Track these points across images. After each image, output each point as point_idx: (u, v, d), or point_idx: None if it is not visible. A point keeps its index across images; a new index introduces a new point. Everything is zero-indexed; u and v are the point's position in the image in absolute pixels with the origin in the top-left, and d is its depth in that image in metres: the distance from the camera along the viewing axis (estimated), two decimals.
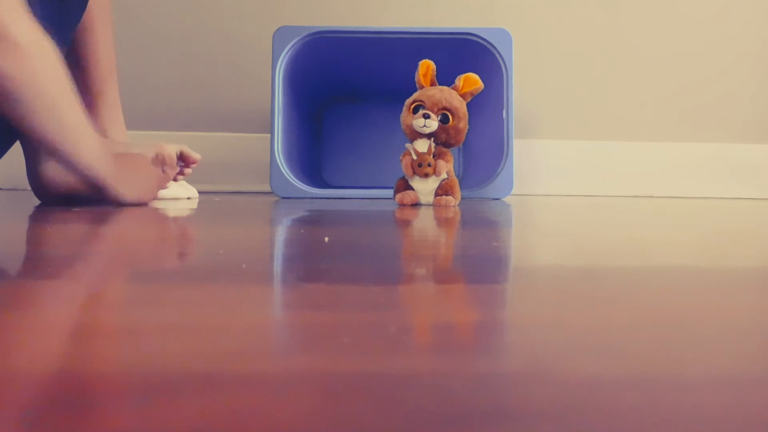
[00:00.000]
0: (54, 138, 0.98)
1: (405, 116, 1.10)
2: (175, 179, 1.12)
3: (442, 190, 1.10)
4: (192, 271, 0.42)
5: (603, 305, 0.32)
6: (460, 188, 1.13)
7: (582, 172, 1.70)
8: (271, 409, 0.18)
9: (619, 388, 0.20)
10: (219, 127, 1.65)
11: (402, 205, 1.09)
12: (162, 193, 1.14)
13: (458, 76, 1.12)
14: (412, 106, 1.10)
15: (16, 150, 1.01)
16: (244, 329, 0.26)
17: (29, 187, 1.02)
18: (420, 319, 0.29)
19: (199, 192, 1.35)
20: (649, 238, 0.68)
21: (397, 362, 0.22)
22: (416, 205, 1.09)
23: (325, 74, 1.50)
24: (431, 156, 1.09)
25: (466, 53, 1.38)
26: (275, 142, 1.32)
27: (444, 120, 1.08)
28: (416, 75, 1.12)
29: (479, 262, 0.47)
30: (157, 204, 1.06)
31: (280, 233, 0.70)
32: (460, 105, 1.09)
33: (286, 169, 1.32)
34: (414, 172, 1.09)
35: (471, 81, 1.12)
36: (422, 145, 1.09)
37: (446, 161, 1.09)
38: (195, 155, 1.12)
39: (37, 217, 0.75)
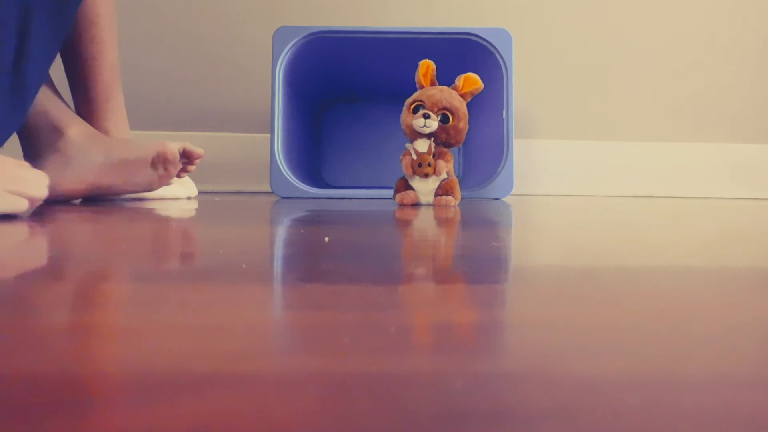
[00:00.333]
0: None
1: (405, 116, 1.10)
2: (178, 176, 1.12)
3: (442, 190, 1.10)
4: (192, 271, 0.42)
5: (603, 305, 0.32)
6: (460, 188, 1.13)
7: (582, 172, 1.70)
8: (271, 409, 0.18)
9: (619, 388, 0.20)
10: (219, 127, 1.65)
11: (402, 205, 1.09)
12: (161, 192, 1.14)
13: (458, 76, 1.12)
14: (412, 106, 1.10)
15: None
16: (244, 329, 0.26)
17: None
18: (420, 319, 0.29)
19: (199, 192, 1.35)
20: (649, 238, 0.68)
21: (397, 362, 0.22)
22: (416, 205, 1.09)
23: (325, 74, 1.50)
24: (431, 156, 1.09)
25: (466, 53, 1.38)
26: (275, 142, 1.32)
27: (444, 120, 1.08)
28: (416, 75, 1.12)
29: (479, 262, 0.47)
30: (157, 204, 1.06)
31: (280, 233, 0.70)
32: (460, 105, 1.09)
33: (286, 169, 1.32)
34: (414, 172, 1.09)
35: (471, 81, 1.12)
36: (422, 145, 1.09)
37: (446, 161, 1.09)
38: (198, 150, 1.12)
39: (35, 217, 0.75)
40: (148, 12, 1.63)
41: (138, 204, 1.04)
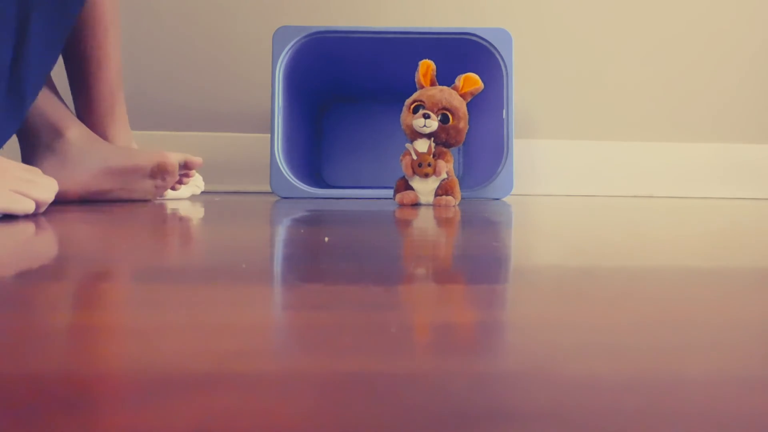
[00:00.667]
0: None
1: (405, 116, 1.10)
2: (173, 188, 1.12)
3: (442, 190, 1.10)
4: (192, 271, 0.42)
5: (603, 305, 0.32)
6: (460, 188, 1.13)
7: (582, 172, 1.70)
8: (271, 409, 0.18)
9: (619, 388, 0.20)
10: (219, 127, 1.65)
11: (402, 205, 1.09)
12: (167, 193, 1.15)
13: (458, 76, 1.12)
14: (412, 106, 1.10)
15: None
16: (244, 329, 0.26)
17: None
18: (420, 319, 0.29)
19: (200, 192, 1.35)
20: (649, 238, 0.68)
21: (397, 362, 0.22)
22: (416, 205, 1.09)
23: (325, 74, 1.50)
24: (431, 156, 1.09)
25: (466, 53, 1.38)
26: (275, 142, 1.32)
27: (444, 120, 1.08)
28: (416, 75, 1.12)
29: (479, 262, 0.47)
30: (159, 203, 1.06)
31: (280, 233, 0.70)
32: (460, 105, 1.10)
33: (286, 169, 1.32)
34: (414, 172, 1.09)
35: (471, 81, 1.12)
36: (422, 145, 1.09)
37: (446, 161, 1.09)
38: (197, 160, 1.13)
39: (32, 217, 0.75)
40: (148, 12, 1.63)
41: (139, 204, 1.04)
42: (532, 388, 0.20)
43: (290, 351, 0.24)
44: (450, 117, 1.08)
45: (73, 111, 1.08)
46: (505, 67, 1.35)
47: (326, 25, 1.37)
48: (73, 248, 0.55)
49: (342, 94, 1.64)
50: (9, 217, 0.72)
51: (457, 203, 1.10)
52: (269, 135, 1.36)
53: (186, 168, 1.12)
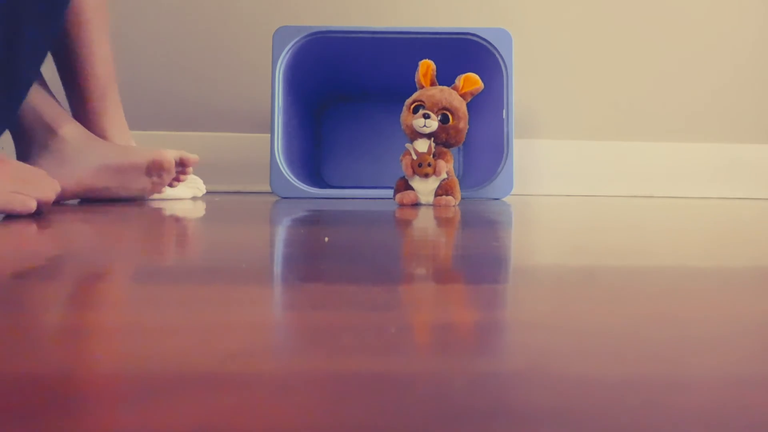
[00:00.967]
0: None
1: (405, 116, 1.10)
2: (171, 185, 1.12)
3: (442, 190, 1.10)
4: (192, 271, 0.42)
5: (603, 305, 0.32)
6: (460, 188, 1.13)
7: (582, 172, 1.70)
8: (271, 409, 0.18)
9: (619, 388, 0.20)
10: (219, 127, 1.65)
11: (402, 205, 1.09)
12: (165, 193, 1.14)
13: (458, 76, 1.12)
14: (412, 106, 1.10)
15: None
16: (244, 329, 0.26)
17: None
18: (420, 319, 0.29)
19: (201, 194, 1.35)
20: (649, 238, 0.68)
21: (397, 362, 0.22)
22: (416, 205, 1.09)
23: (325, 74, 1.50)
24: (431, 156, 1.09)
25: (466, 53, 1.38)
26: (275, 142, 1.32)
27: (444, 120, 1.08)
28: (416, 75, 1.12)
29: (479, 262, 0.47)
30: (159, 204, 1.06)
31: (280, 233, 0.70)
32: (460, 105, 1.10)
33: (286, 169, 1.32)
34: (414, 172, 1.09)
35: (471, 81, 1.12)
36: (422, 145, 1.09)
37: (446, 161, 1.09)
38: (193, 157, 1.12)
39: (33, 217, 0.75)
40: (147, 12, 1.63)
41: (139, 204, 1.04)
42: (532, 388, 0.20)
43: (290, 351, 0.24)
44: (450, 117, 1.08)
45: (68, 110, 1.08)
46: (505, 67, 1.35)
47: (326, 25, 1.37)
48: (73, 248, 0.55)
49: (342, 94, 1.64)
50: (11, 217, 0.72)
51: (457, 203, 1.10)
52: (269, 135, 1.36)
53: (182, 165, 1.11)
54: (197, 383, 0.19)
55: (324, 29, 1.36)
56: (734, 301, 0.34)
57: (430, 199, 1.10)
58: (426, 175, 1.09)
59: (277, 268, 0.45)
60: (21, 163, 0.77)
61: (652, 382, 0.20)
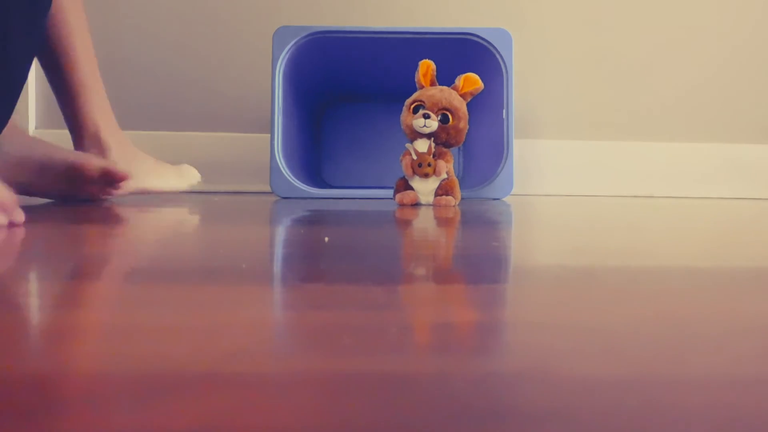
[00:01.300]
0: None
1: (405, 116, 1.10)
2: (100, 197, 1.06)
3: (442, 190, 1.10)
4: (192, 271, 0.42)
5: (603, 305, 0.32)
6: (460, 188, 1.13)
7: (582, 172, 1.70)
8: (271, 409, 0.18)
9: (619, 388, 0.20)
10: (219, 127, 1.65)
11: (402, 205, 1.09)
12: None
13: (458, 76, 1.12)
14: (412, 106, 1.10)
15: None
16: (244, 329, 0.26)
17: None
18: (420, 319, 0.29)
19: (199, 192, 1.35)
20: (649, 238, 0.68)
21: (397, 362, 0.22)
22: (416, 205, 1.09)
23: (325, 74, 1.50)
24: (431, 156, 1.09)
25: (466, 53, 1.38)
26: (275, 142, 1.32)
27: (444, 120, 1.08)
28: (416, 75, 1.12)
29: (479, 262, 0.47)
30: (157, 201, 1.06)
31: (280, 233, 0.70)
32: (460, 105, 1.09)
33: (286, 169, 1.32)
34: (414, 172, 1.09)
35: (471, 81, 1.11)
36: (422, 145, 1.09)
37: (446, 161, 1.09)
38: (121, 172, 1.02)
39: (33, 217, 0.75)
40: (147, 12, 1.63)
41: (138, 203, 1.04)
42: (532, 388, 0.20)
43: (290, 351, 0.24)
44: (450, 117, 1.08)
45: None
46: (505, 67, 1.35)
47: (326, 25, 1.37)
48: (72, 248, 0.55)
49: (342, 94, 1.64)
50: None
51: (457, 203, 1.10)
52: (269, 135, 1.36)
53: (108, 176, 1.02)
54: (197, 383, 0.19)
55: (324, 29, 1.36)
56: (734, 301, 0.34)
57: (430, 199, 1.10)
58: (426, 175, 1.09)
59: (277, 268, 0.45)
60: None
61: (652, 382, 0.20)
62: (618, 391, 0.19)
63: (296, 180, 1.32)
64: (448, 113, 1.08)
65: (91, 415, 0.17)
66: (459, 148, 1.60)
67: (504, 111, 1.35)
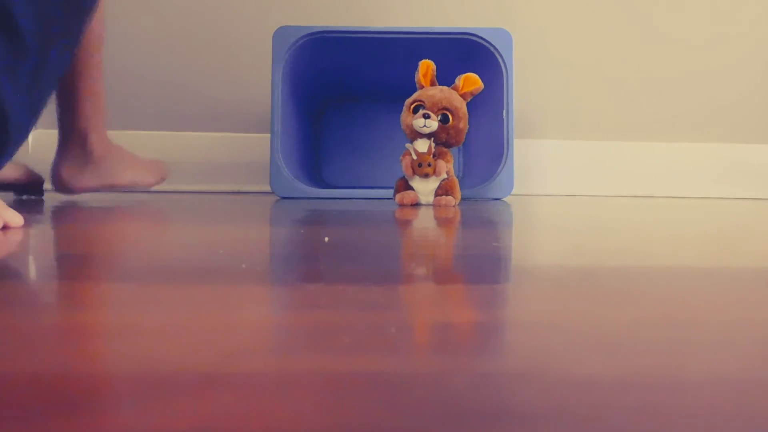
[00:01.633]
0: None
1: (405, 116, 1.10)
2: None
3: (442, 190, 1.10)
4: (192, 271, 0.42)
5: (603, 305, 0.32)
6: (460, 188, 1.13)
7: (582, 172, 1.70)
8: (271, 409, 0.18)
9: (619, 388, 0.20)
10: (219, 127, 1.65)
11: (402, 205, 1.09)
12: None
13: (458, 76, 1.12)
14: (412, 106, 1.10)
15: None
16: (244, 329, 0.26)
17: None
18: (420, 319, 0.29)
19: (200, 192, 1.35)
20: (649, 238, 0.68)
21: (397, 362, 0.22)
22: (416, 205, 1.09)
23: (325, 74, 1.50)
24: (431, 156, 1.09)
25: (466, 53, 1.38)
26: (275, 142, 1.32)
27: (444, 120, 1.08)
28: (416, 75, 1.12)
29: (479, 262, 0.47)
30: (155, 202, 1.06)
31: (280, 233, 0.70)
32: (460, 105, 1.09)
33: (286, 169, 1.32)
34: (414, 172, 1.09)
35: (471, 81, 1.11)
36: (422, 145, 1.09)
37: (446, 161, 1.09)
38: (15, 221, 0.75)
39: (33, 217, 0.75)
40: (147, 12, 1.63)
41: (140, 203, 1.04)
42: (532, 388, 0.20)
43: (290, 351, 0.24)
44: (450, 117, 1.08)
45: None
46: (505, 67, 1.35)
47: (326, 25, 1.37)
48: (71, 248, 0.55)
49: (342, 94, 1.64)
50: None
51: (457, 203, 1.10)
52: (269, 135, 1.36)
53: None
54: (197, 383, 0.19)
55: (324, 29, 1.36)
56: (734, 301, 0.34)
57: (430, 199, 1.10)
58: (426, 175, 1.09)
59: (277, 268, 0.45)
60: None
61: (651, 382, 0.20)
62: (617, 391, 0.19)
63: (296, 180, 1.32)
64: (448, 113, 1.08)
65: (90, 415, 0.17)
66: (459, 148, 1.59)
67: (504, 111, 1.35)
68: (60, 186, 1.09)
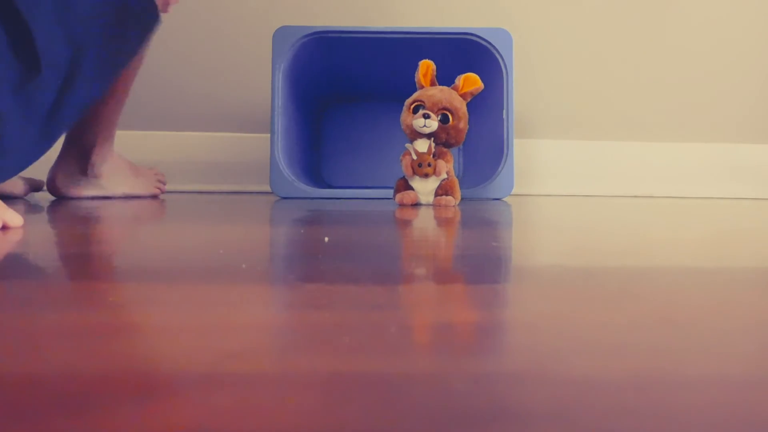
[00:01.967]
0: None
1: (405, 116, 1.10)
2: None
3: (442, 190, 1.10)
4: (192, 270, 0.42)
5: (603, 305, 0.32)
6: (460, 188, 1.13)
7: (582, 172, 1.70)
8: (271, 409, 0.18)
9: (619, 388, 0.20)
10: (219, 127, 1.65)
11: (402, 205, 1.09)
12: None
13: (458, 76, 1.12)
14: (412, 106, 1.10)
15: None
16: (244, 329, 0.26)
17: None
18: (420, 319, 0.29)
19: (200, 192, 1.35)
20: (649, 238, 0.68)
21: (397, 362, 0.22)
22: (416, 205, 1.09)
23: (325, 74, 1.50)
24: (431, 156, 1.09)
25: (466, 53, 1.38)
26: (275, 142, 1.32)
27: (444, 120, 1.08)
28: (416, 75, 1.12)
29: (479, 262, 0.47)
30: (154, 202, 1.06)
31: (280, 233, 0.70)
32: (460, 105, 1.09)
33: (286, 169, 1.32)
34: (414, 172, 1.09)
35: (471, 81, 1.11)
36: (422, 145, 1.09)
37: (446, 161, 1.09)
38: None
39: (33, 217, 0.75)
40: None
41: (141, 203, 1.04)
42: (532, 388, 0.20)
43: (290, 351, 0.24)
44: (450, 117, 1.08)
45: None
46: (505, 67, 1.35)
47: (326, 25, 1.37)
48: (71, 248, 0.55)
49: (342, 94, 1.64)
50: None
51: (457, 203, 1.10)
52: (269, 135, 1.36)
53: None
54: (197, 383, 0.19)
55: (324, 29, 1.36)
56: (734, 301, 0.34)
57: (430, 199, 1.10)
58: (426, 175, 1.09)
59: (277, 268, 0.45)
60: None
61: (651, 382, 0.20)
62: (618, 391, 0.19)
63: (296, 180, 1.32)
64: (448, 113, 1.08)
65: (91, 415, 0.17)
66: (459, 148, 1.59)
67: (504, 111, 1.35)
68: (54, 192, 1.10)
